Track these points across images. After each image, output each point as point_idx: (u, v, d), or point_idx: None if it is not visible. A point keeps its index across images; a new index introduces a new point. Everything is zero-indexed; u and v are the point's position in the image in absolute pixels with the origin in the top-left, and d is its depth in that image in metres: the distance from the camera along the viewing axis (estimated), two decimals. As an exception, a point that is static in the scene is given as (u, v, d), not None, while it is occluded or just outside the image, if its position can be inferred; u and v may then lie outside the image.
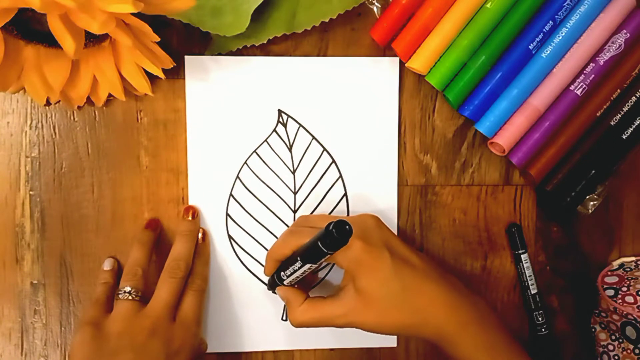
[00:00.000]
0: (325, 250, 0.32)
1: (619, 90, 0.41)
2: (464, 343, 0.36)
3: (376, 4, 0.41)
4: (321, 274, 0.44)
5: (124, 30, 0.32)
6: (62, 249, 0.42)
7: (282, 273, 0.38)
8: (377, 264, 0.36)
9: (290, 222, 0.43)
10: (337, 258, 0.36)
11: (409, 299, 0.36)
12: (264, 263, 0.43)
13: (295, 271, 0.36)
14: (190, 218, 0.42)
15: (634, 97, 0.41)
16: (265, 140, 0.43)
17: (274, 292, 0.41)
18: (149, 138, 0.42)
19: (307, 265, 0.35)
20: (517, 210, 0.45)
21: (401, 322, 0.36)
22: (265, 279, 0.43)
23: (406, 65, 0.41)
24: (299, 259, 0.35)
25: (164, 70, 0.37)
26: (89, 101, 0.41)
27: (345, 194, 0.44)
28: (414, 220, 0.44)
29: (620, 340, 0.42)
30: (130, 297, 0.38)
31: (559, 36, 0.39)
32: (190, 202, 0.42)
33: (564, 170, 0.42)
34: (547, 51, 0.39)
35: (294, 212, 0.43)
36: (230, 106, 0.42)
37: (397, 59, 0.42)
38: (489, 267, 0.45)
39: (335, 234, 0.30)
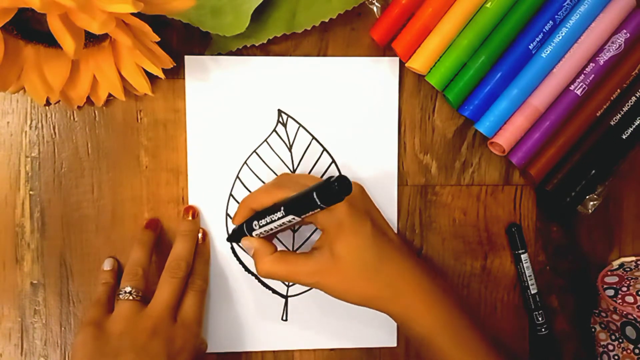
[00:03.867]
0: (319, 203, 0.30)
1: (619, 90, 0.41)
2: (426, 321, 0.37)
3: (376, 4, 0.41)
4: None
5: (124, 30, 0.32)
6: (62, 249, 0.42)
7: (255, 223, 0.36)
8: (358, 230, 0.36)
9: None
10: (319, 217, 0.36)
11: (381, 269, 0.36)
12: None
13: (272, 221, 0.35)
14: (190, 218, 0.42)
15: (634, 97, 0.41)
16: (265, 140, 0.43)
17: (236, 243, 0.39)
18: (149, 138, 0.42)
19: (289, 217, 0.33)
20: (517, 210, 0.45)
21: (369, 293, 0.36)
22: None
23: (406, 65, 0.41)
24: (282, 209, 0.34)
25: (164, 70, 0.37)
26: (89, 101, 0.41)
27: (345, 194, 0.43)
28: (414, 220, 0.44)
29: (620, 340, 0.42)
30: (131, 297, 0.38)
31: (559, 36, 0.39)
32: (190, 202, 0.42)
33: (564, 170, 0.42)
34: (547, 51, 0.39)
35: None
36: (230, 106, 0.42)
37: (397, 59, 0.42)
38: (489, 267, 0.45)
39: (337, 186, 0.29)
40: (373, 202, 0.39)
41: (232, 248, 0.43)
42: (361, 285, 0.36)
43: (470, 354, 0.37)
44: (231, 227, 0.43)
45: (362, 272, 0.36)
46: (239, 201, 0.43)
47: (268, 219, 0.35)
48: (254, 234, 0.37)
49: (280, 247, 0.43)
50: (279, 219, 0.34)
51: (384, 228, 0.38)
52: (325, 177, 0.43)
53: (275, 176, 0.43)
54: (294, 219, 0.34)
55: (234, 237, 0.40)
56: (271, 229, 0.36)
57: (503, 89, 0.40)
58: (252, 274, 0.43)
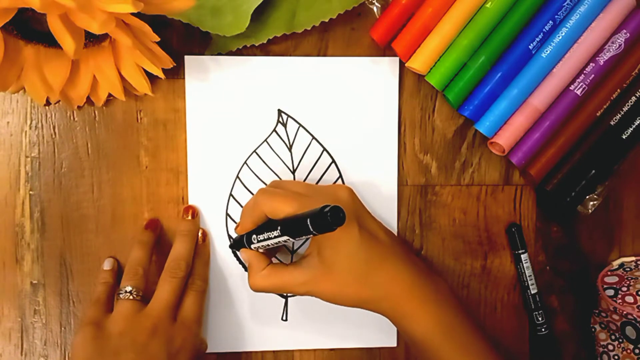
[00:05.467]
0: (312, 230, 0.31)
1: (619, 90, 0.41)
2: (422, 320, 0.37)
3: (376, 4, 0.41)
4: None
5: (124, 30, 0.32)
6: (62, 249, 0.42)
7: (254, 237, 0.37)
8: (345, 236, 0.36)
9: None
10: None
11: (372, 272, 0.36)
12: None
13: (269, 238, 0.35)
14: (189, 218, 0.42)
15: (634, 97, 0.41)
16: (265, 140, 0.43)
17: (237, 250, 0.40)
18: (149, 138, 0.42)
19: (285, 237, 0.34)
20: (517, 210, 0.45)
21: (361, 295, 0.37)
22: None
23: (406, 65, 0.41)
24: (279, 228, 0.34)
25: (164, 70, 0.37)
26: (89, 101, 0.41)
27: (345, 194, 0.43)
28: (414, 220, 0.44)
29: (620, 340, 0.42)
30: (131, 297, 0.38)
31: (559, 36, 0.39)
32: (190, 202, 0.42)
33: (564, 170, 0.42)
34: (547, 51, 0.39)
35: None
36: (230, 106, 0.42)
37: (397, 59, 0.42)
38: (489, 267, 0.45)
39: (329, 218, 0.30)
40: (363, 205, 0.39)
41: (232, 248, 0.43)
42: (352, 289, 0.36)
43: (467, 354, 0.37)
44: (231, 227, 0.43)
45: (351, 277, 0.36)
46: (239, 201, 0.43)
47: (265, 235, 0.36)
48: (252, 246, 0.38)
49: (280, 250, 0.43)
50: (275, 237, 0.35)
51: (373, 230, 0.38)
52: (323, 179, 0.43)
53: (275, 176, 0.43)
54: (289, 239, 0.34)
55: (235, 245, 0.41)
56: (268, 245, 0.36)
57: (503, 89, 0.40)
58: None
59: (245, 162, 0.43)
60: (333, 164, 0.43)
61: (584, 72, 0.40)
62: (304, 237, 0.33)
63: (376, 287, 0.37)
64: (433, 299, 0.37)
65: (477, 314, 0.45)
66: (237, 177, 0.43)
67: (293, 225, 0.33)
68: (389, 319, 0.38)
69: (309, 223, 0.31)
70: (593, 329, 0.44)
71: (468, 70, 0.40)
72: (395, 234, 0.44)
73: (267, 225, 0.36)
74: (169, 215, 0.43)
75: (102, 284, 0.41)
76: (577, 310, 0.46)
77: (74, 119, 0.42)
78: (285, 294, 0.43)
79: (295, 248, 0.44)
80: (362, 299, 0.37)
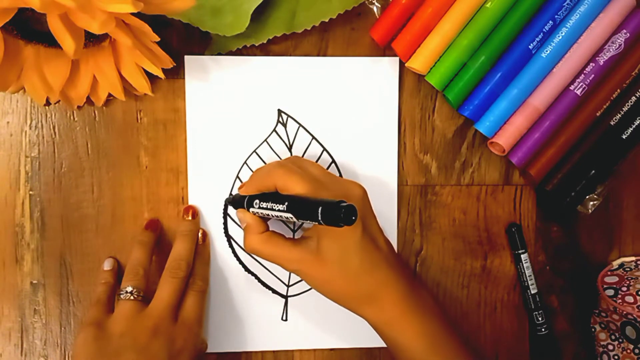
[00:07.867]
0: (319, 218, 0.31)
1: (619, 90, 0.41)
2: (405, 329, 0.37)
3: (376, 3, 0.41)
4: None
5: (124, 30, 0.32)
6: (62, 249, 0.42)
7: (257, 201, 0.36)
8: (347, 234, 0.36)
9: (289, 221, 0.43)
10: None
11: (362, 274, 0.36)
12: (263, 263, 0.43)
13: (272, 209, 0.35)
14: (190, 218, 0.42)
15: (634, 97, 0.41)
16: (265, 140, 0.43)
17: (233, 208, 0.40)
18: (149, 138, 0.42)
19: (288, 214, 0.34)
20: (517, 210, 0.45)
21: (346, 292, 0.37)
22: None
23: (406, 65, 0.41)
24: (286, 204, 0.34)
25: (164, 70, 0.37)
26: (88, 101, 0.41)
27: (345, 194, 0.43)
28: (414, 220, 0.44)
29: (620, 340, 0.42)
30: (132, 297, 0.38)
31: (559, 36, 0.39)
32: (190, 202, 0.42)
33: (564, 170, 0.42)
34: (547, 51, 0.39)
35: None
36: (230, 106, 0.42)
37: (397, 59, 0.42)
38: (489, 267, 0.45)
39: (342, 215, 0.30)
40: (371, 208, 0.39)
41: (232, 248, 0.43)
42: (340, 285, 0.37)
43: None
44: (231, 227, 0.43)
45: (342, 274, 0.36)
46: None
47: (269, 205, 0.35)
48: (250, 210, 0.37)
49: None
50: (278, 210, 0.34)
51: (374, 235, 0.38)
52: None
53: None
54: (291, 217, 0.34)
55: (234, 203, 0.40)
56: (268, 215, 0.36)
57: (503, 89, 0.40)
58: (252, 274, 0.43)
59: (245, 162, 0.43)
60: (333, 164, 0.43)
61: (584, 72, 0.40)
62: (307, 221, 0.33)
63: (363, 288, 0.37)
64: (418, 308, 0.38)
65: (477, 314, 0.45)
66: (237, 177, 0.43)
67: (302, 207, 0.33)
68: (373, 326, 0.38)
69: (319, 212, 0.31)
70: (593, 329, 0.44)
71: (468, 70, 0.40)
72: (395, 237, 0.44)
73: (274, 196, 0.35)
74: (169, 215, 0.43)
75: (102, 284, 0.41)
76: (577, 310, 0.46)
77: (74, 119, 0.42)
78: (286, 294, 0.43)
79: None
80: (347, 297, 0.37)
